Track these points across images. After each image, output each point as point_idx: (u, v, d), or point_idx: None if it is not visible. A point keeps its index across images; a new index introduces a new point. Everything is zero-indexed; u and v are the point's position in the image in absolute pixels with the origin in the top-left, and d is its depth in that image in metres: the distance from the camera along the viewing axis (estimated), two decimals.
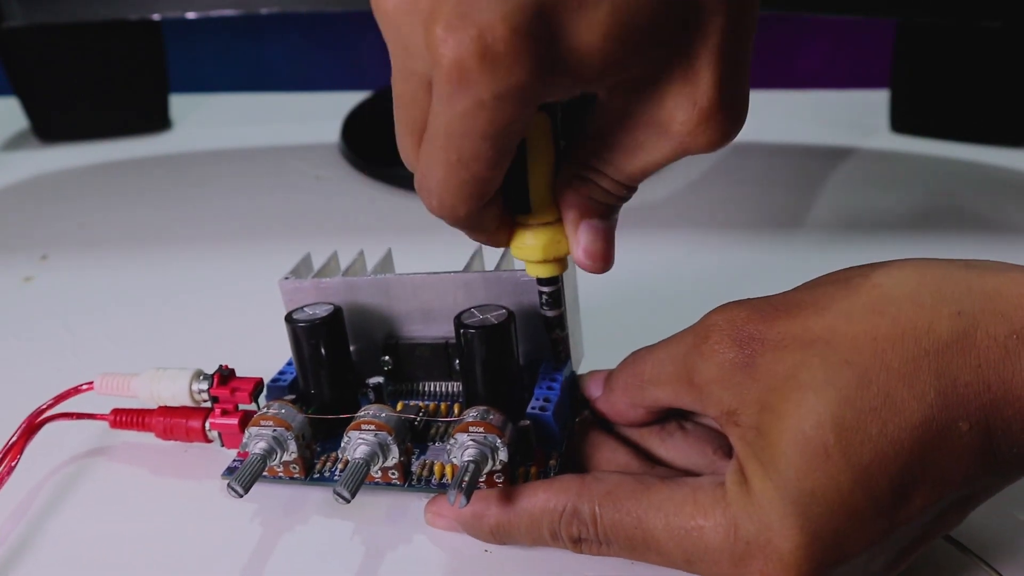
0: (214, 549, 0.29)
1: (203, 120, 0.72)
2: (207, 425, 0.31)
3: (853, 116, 0.67)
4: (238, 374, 0.32)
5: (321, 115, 0.68)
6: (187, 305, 0.44)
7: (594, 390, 0.30)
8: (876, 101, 0.65)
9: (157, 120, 0.71)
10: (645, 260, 0.46)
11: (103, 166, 0.64)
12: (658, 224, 0.51)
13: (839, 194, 0.55)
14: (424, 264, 0.33)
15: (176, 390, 0.31)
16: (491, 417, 0.27)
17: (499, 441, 0.26)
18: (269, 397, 0.32)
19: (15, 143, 0.68)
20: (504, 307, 0.29)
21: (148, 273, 0.47)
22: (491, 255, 0.32)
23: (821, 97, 0.72)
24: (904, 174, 0.58)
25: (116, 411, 0.33)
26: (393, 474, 0.29)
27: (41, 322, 0.42)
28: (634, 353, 0.28)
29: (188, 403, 0.31)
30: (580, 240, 0.25)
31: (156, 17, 0.59)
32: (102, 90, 0.68)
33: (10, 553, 0.29)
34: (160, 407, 0.32)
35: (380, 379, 0.31)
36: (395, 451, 0.28)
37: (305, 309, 0.30)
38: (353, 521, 0.29)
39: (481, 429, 0.27)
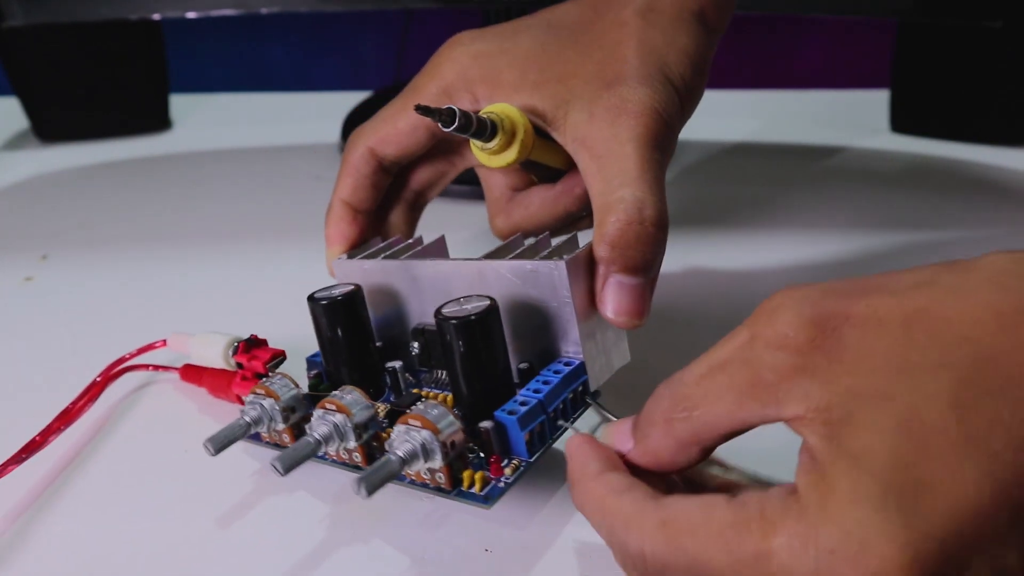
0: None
1: (203, 120, 0.72)
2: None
3: (853, 116, 0.67)
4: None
5: (321, 115, 0.68)
6: (186, 304, 0.44)
7: (622, 443, 0.24)
8: (876, 101, 0.65)
9: (157, 120, 0.71)
10: None
11: (103, 166, 0.64)
12: None
13: (839, 194, 0.55)
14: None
15: (213, 354, 0.33)
16: (433, 412, 0.26)
17: (434, 440, 0.25)
18: (309, 371, 0.32)
19: (15, 143, 0.68)
20: (489, 297, 0.27)
21: (148, 273, 0.47)
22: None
23: (821, 97, 0.72)
24: (904, 174, 0.58)
25: (186, 366, 0.34)
26: (357, 457, 0.28)
27: (41, 322, 0.42)
28: (665, 382, 0.23)
29: (224, 366, 0.33)
30: (606, 296, 0.27)
31: (156, 17, 0.58)
32: (102, 90, 0.68)
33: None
34: (211, 368, 0.34)
35: (398, 364, 0.31)
36: (351, 436, 0.27)
37: (332, 290, 0.31)
38: (351, 507, 0.29)
39: (418, 423, 0.25)
